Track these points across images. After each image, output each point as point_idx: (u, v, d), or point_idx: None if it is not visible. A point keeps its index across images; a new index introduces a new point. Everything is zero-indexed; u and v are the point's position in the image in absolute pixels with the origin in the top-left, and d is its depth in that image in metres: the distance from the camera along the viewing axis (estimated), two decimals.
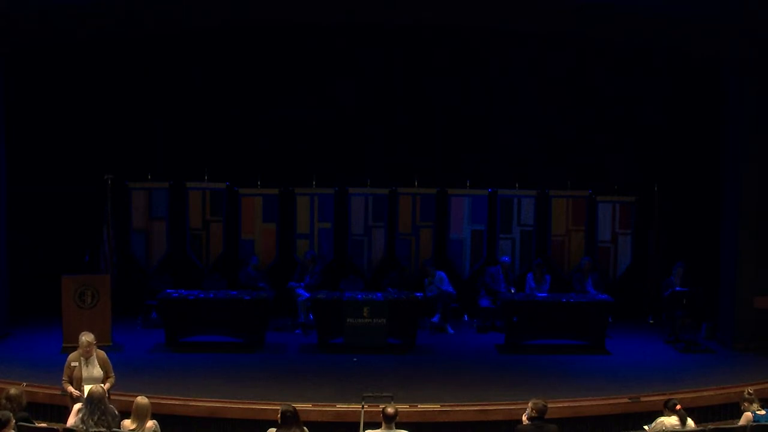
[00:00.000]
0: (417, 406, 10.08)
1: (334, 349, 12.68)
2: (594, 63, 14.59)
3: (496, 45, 14.23)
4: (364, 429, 8.33)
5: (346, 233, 14.82)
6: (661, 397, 9.47)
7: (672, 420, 8.59)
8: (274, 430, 7.93)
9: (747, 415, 8.81)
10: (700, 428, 8.77)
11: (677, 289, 13.35)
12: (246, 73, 14.59)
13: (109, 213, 13.46)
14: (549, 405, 8.51)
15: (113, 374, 9.16)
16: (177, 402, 10.13)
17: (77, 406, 8.35)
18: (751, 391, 9.00)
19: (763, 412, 8.80)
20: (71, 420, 8.27)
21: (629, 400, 10.44)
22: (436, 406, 10.16)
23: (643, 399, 10.43)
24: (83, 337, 9.09)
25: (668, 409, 8.67)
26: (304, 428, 8.00)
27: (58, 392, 9.89)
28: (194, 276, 14.32)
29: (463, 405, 10.26)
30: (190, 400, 10.20)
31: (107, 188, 13.41)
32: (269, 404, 9.81)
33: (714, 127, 13.86)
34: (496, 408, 10.15)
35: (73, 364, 9.06)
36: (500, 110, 14.84)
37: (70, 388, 8.97)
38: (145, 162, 14.46)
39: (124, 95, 14.42)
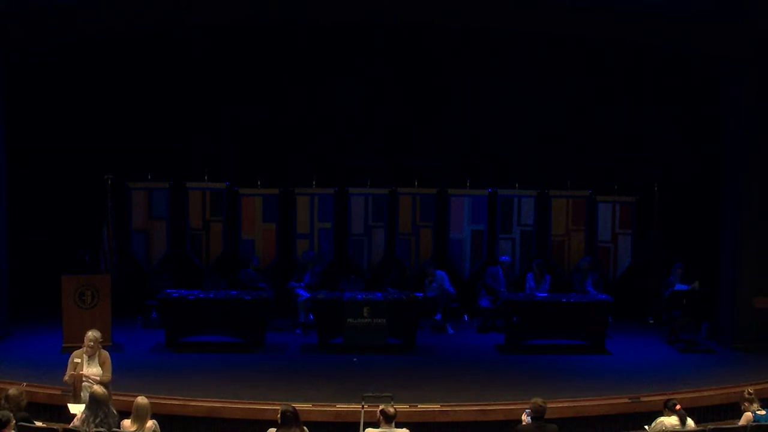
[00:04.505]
0: (417, 406, 10.08)
1: (334, 349, 12.67)
2: (594, 63, 14.58)
3: (495, 45, 14.22)
4: (365, 428, 8.33)
5: (346, 233, 14.81)
6: (661, 397, 9.47)
7: (672, 420, 8.59)
8: (274, 430, 7.93)
9: (747, 415, 8.82)
10: (700, 428, 8.77)
11: (677, 288, 13.36)
12: (246, 73, 14.57)
13: (109, 213, 13.46)
14: (549, 405, 8.52)
15: (109, 374, 9.14)
16: (177, 402, 10.13)
17: (80, 408, 8.37)
18: (751, 391, 9.01)
19: (763, 412, 8.80)
20: (75, 420, 8.28)
21: (629, 400, 10.44)
22: (436, 406, 10.16)
23: (643, 399, 10.43)
24: (90, 332, 9.14)
25: (668, 409, 8.67)
26: (304, 428, 7.99)
27: (58, 392, 9.92)
28: (194, 276, 14.31)
29: (463, 405, 10.26)
30: (189, 400, 10.20)
31: (107, 188, 13.41)
32: (269, 404, 9.82)
33: (714, 127, 13.85)
34: (496, 408, 10.15)
35: (75, 360, 9.15)
36: (500, 110, 14.83)
37: (71, 373, 9.01)
38: (145, 162, 14.45)
39: (124, 95, 14.40)
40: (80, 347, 9.29)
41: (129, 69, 14.30)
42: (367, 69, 14.61)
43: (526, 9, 12.58)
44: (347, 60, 14.54)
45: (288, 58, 14.48)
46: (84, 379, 9.02)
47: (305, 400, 10.07)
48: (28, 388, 9.44)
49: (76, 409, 8.55)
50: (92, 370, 9.08)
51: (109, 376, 9.15)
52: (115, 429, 7.97)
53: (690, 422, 8.65)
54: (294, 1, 12.58)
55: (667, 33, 12.79)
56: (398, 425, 8.19)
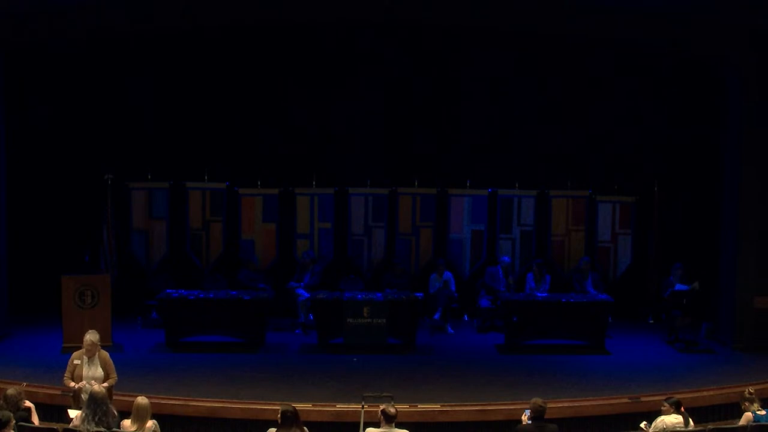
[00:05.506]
0: (417, 406, 10.08)
1: (334, 349, 12.67)
2: (594, 63, 14.57)
3: (495, 45, 14.22)
4: (365, 428, 8.32)
5: (346, 233, 14.82)
6: (661, 398, 9.45)
7: (671, 419, 8.59)
8: (274, 430, 7.92)
9: (747, 415, 8.81)
10: (700, 428, 8.77)
11: (677, 288, 13.36)
12: (246, 73, 14.57)
13: (109, 213, 13.46)
14: (549, 405, 8.51)
15: (115, 374, 9.20)
16: (177, 402, 10.14)
17: (78, 413, 8.36)
18: (751, 391, 9.00)
19: (763, 412, 8.79)
20: (75, 420, 8.28)
21: (629, 400, 10.45)
22: (436, 406, 10.16)
23: (643, 399, 10.43)
24: (88, 336, 9.15)
25: (669, 405, 8.65)
26: (304, 428, 7.99)
27: (58, 392, 9.92)
28: (194, 276, 14.32)
29: (463, 405, 10.26)
30: (190, 400, 10.21)
31: (107, 188, 13.41)
32: (269, 404, 9.82)
33: (714, 127, 13.86)
34: (496, 408, 10.15)
35: (75, 362, 9.14)
36: (500, 110, 14.82)
37: (72, 383, 9.01)
38: (145, 162, 14.45)
39: (123, 95, 14.41)
40: (80, 347, 9.29)
41: (128, 69, 14.30)
42: (367, 69, 14.60)
43: (526, 9, 12.57)
44: (347, 60, 14.53)
45: (288, 59, 14.46)
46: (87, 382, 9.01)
47: (305, 400, 10.06)
48: (28, 388, 9.45)
49: (75, 414, 8.54)
50: (93, 372, 9.08)
51: (115, 377, 9.18)
52: (115, 429, 7.97)
53: (689, 422, 8.66)
54: (294, 2, 12.57)
55: (667, 33, 12.78)
56: (398, 425, 8.19)
